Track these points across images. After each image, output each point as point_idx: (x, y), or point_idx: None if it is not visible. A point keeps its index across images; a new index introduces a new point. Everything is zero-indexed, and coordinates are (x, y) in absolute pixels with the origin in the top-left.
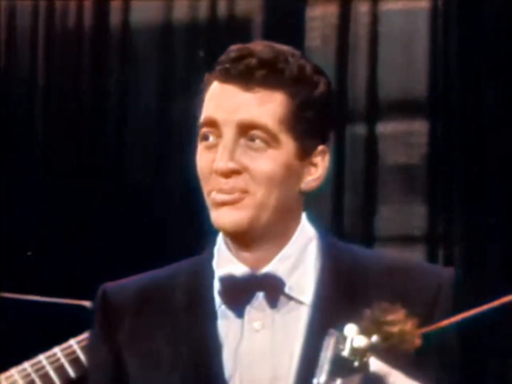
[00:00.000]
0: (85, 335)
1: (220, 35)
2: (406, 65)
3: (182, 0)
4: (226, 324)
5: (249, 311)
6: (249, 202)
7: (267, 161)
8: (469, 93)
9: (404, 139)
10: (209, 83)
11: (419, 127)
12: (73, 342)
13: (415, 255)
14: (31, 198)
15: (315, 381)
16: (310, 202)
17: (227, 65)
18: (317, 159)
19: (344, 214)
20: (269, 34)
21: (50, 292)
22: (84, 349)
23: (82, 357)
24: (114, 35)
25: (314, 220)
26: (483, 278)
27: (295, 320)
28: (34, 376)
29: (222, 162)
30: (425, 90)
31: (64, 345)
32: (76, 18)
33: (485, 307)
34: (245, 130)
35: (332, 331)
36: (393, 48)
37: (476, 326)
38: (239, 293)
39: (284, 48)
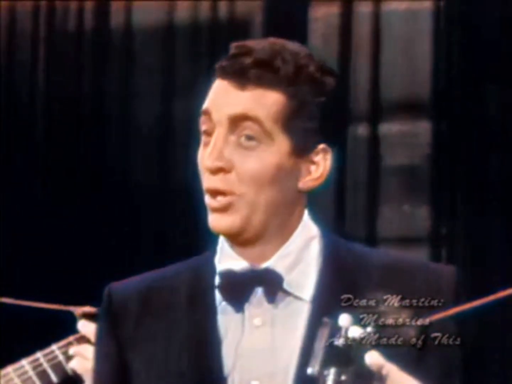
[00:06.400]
0: (66, 341)
1: (221, 36)
2: (408, 66)
3: (183, 1)
4: (227, 320)
5: (249, 307)
6: (239, 205)
7: (256, 160)
8: (472, 94)
9: (406, 140)
10: (213, 79)
11: (422, 128)
12: (55, 348)
13: (417, 256)
14: (28, 201)
15: (309, 370)
16: (311, 202)
17: (224, 63)
18: (318, 158)
19: (346, 215)
20: (270, 35)
21: (41, 297)
22: (66, 354)
23: (64, 362)
24: (115, 36)
25: (317, 218)
26: (485, 278)
27: (295, 316)
28: (31, 373)
29: (209, 160)
30: (428, 91)
31: (46, 350)
32: (76, 19)
33: (482, 300)
34: (237, 123)
35: (326, 320)
36: (396, 49)
37: (475, 321)
38: (238, 288)
39: (289, 46)
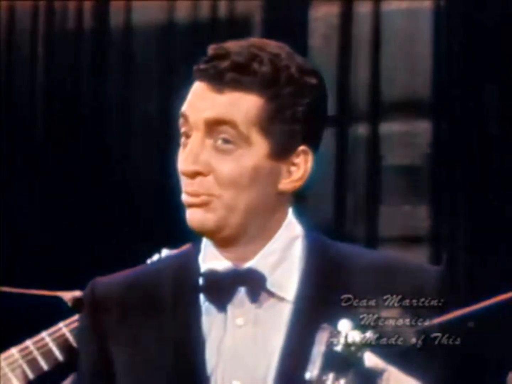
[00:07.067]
0: (56, 327)
1: (221, 36)
2: (408, 65)
3: (183, 0)
4: (210, 319)
5: (232, 307)
6: (216, 205)
7: (233, 164)
8: (472, 94)
9: (406, 139)
10: (192, 80)
11: (422, 128)
12: (44, 335)
13: (417, 256)
14: (28, 200)
15: (307, 375)
16: (311, 202)
17: (201, 65)
18: (299, 160)
19: (345, 215)
20: (270, 35)
21: (30, 284)
22: (73, 332)
23: (71, 339)
24: (115, 36)
25: (302, 218)
26: (484, 278)
27: (277, 316)
28: (21, 361)
29: (185, 164)
30: (428, 90)
31: (53, 328)
32: (76, 18)
33: (482, 304)
34: (213, 127)
35: (325, 325)
36: (396, 48)
37: (474, 323)
38: (221, 288)
39: (268, 47)
